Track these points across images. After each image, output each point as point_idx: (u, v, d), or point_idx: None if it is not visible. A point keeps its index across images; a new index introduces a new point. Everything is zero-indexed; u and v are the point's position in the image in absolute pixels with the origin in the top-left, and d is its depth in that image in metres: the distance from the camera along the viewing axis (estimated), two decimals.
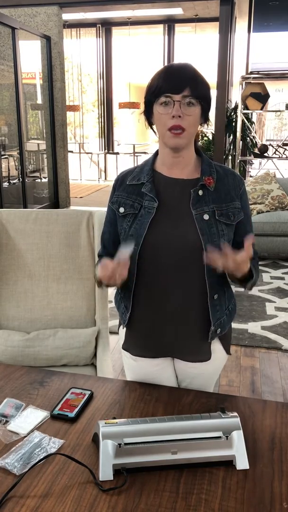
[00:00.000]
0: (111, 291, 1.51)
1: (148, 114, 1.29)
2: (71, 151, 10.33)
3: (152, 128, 1.31)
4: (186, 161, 1.31)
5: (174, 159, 1.29)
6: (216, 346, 1.41)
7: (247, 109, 5.92)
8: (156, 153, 1.36)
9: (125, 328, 1.42)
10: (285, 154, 6.30)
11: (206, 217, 1.26)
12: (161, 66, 1.28)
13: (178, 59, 10.17)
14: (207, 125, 1.31)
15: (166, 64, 1.30)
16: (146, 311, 1.34)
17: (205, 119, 1.27)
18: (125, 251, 1.18)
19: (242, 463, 1.05)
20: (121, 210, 1.32)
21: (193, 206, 1.27)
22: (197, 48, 10.13)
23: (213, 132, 5.91)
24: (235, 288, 3.53)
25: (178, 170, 1.31)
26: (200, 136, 6.75)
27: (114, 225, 1.37)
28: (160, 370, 1.42)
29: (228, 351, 1.45)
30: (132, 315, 1.36)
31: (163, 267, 1.28)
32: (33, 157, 7.45)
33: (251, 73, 6.84)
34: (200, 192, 1.28)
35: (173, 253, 1.27)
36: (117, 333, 1.51)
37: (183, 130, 1.21)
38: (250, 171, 8.06)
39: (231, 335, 1.48)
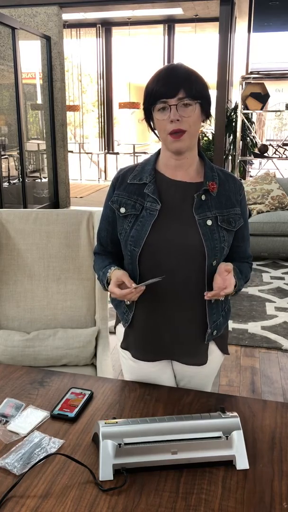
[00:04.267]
0: None
1: (149, 120, 1.28)
2: (71, 151, 10.32)
3: (154, 132, 1.30)
4: (189, 162, 1.30)
5: (177, 161, 1.29)
6: (213, 346, 1.41)
7: (247, 109, 5.92)
8: (158, 153, 1.35)
9: (124, 328, 1.42)
10: (285, 154, 6.30)
11: (209, 222, 1.26)
12: (161, 66, 1.27)
13: (178, 59, 10.18)
14: (210, 121, 1.30)
15: (165, 64, 1.28)
16: (147, 312, 1.34)
17: (206, 115, 1.26)
18: (150, 281, 1.21)
19: (242, 463, 1.05)
20: (122, 210, 1.31)
21: (196, 211, 1.26)
22: (197, 48, 10.13)
23: (213, 132, 5.91)
24: None
25: (181, 172, 1.30)
26: (200, 136, 6.75)
27: (112, 224, 1.36)
28: (159, 372, 1.42)
29: (224, 351, 1.46)
30: (134, 315, 1.36)
31: (163, 269, 1.27)
32: (33, 157, 7.45)
33: (251, 73, 6.84)
34: (203, 197, 1.27)
35: (174, 255, 1.26)
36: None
37: (183, 133, 1.20)
38: (250, 171, 8.06)
39: (227, 335, 1.49)
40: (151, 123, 1.28)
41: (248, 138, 6.67)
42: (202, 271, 1.27)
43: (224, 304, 1.39)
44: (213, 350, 1.42)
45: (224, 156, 5.94)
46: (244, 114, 6.04)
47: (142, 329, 1.36)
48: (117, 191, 1.34)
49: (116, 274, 1.27)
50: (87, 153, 12.60)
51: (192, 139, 1.25)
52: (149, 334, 1.36)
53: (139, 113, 1.56)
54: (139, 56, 11.70)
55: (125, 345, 1.43)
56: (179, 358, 1.39)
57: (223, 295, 1.23)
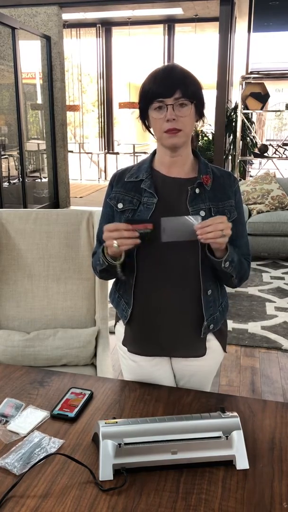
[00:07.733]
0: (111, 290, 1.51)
1: (144, 118, 1.32)
2: (71, 151, 10.32)
3: (149, 131, 1.34)
4: (184, 160, 1.33)
5: (172, 158, 1.32)
6: (213, 343, 1.41)
7: (247, 109, 5.92)
8: (154, 153, 1.38)
9: (124, 325, 1.42)
10: (285, 154, 6.30)
11: (202, 213, 1.29)
12: (157, 67, 1.29)
13: (178, 59, 10.20)
14: (203, 121, 1.33)
15: (164, 64, 1.30)
16: (145, 306, 1.35)
17: (200, 115, 1.29)
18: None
19: (242, 463, 1.05)
20: (120, 205, 1.34)
21: (190, 203, 1.29)
22: (197, 48, 10.13)
23: (213, 132, 5.92)
24: (235, 289, 3.53)
25: (176, 169, 1.33)
26: (200, 136, 6.76)
27: (112, 221, 1.37)
28: (158, 370, 1.42)
29: (224, 349, 1.46)
30: (133, 310, 1.36)
31: (159, 263, 1.29)
32: (33, 157, 7.45)
33: (251, 73, 6.85)
34: (197, 190, 1.31)
35: (170, 247, 1.27)
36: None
37: (179, 131, 1.24)
38: (250, 171, 8.07)
39: (226, 332, 1.49)
40: (146, 122, 1.32)
41: (248, 138, 6.67)
42: (197, 263, 1.29)
43: (221, 299, 1.41)
44: (214, 347, 1.42)
45: (224, 156, 5.94)
46: (244, 114, 6.04)
47: (141, 324, 1.38)
48: (115, 188, 1.37)
49: None
50: (87, 153, 12.60)
51: (187, 137, 1.29)
52: (147, 328, 1.37)
53: (136, 117, 1.58)
54: (139, 56, 11.70)
55: (125, 342, 1.44)
56: (178, 352, 1.40)
57: (218, 236, 1.16)
